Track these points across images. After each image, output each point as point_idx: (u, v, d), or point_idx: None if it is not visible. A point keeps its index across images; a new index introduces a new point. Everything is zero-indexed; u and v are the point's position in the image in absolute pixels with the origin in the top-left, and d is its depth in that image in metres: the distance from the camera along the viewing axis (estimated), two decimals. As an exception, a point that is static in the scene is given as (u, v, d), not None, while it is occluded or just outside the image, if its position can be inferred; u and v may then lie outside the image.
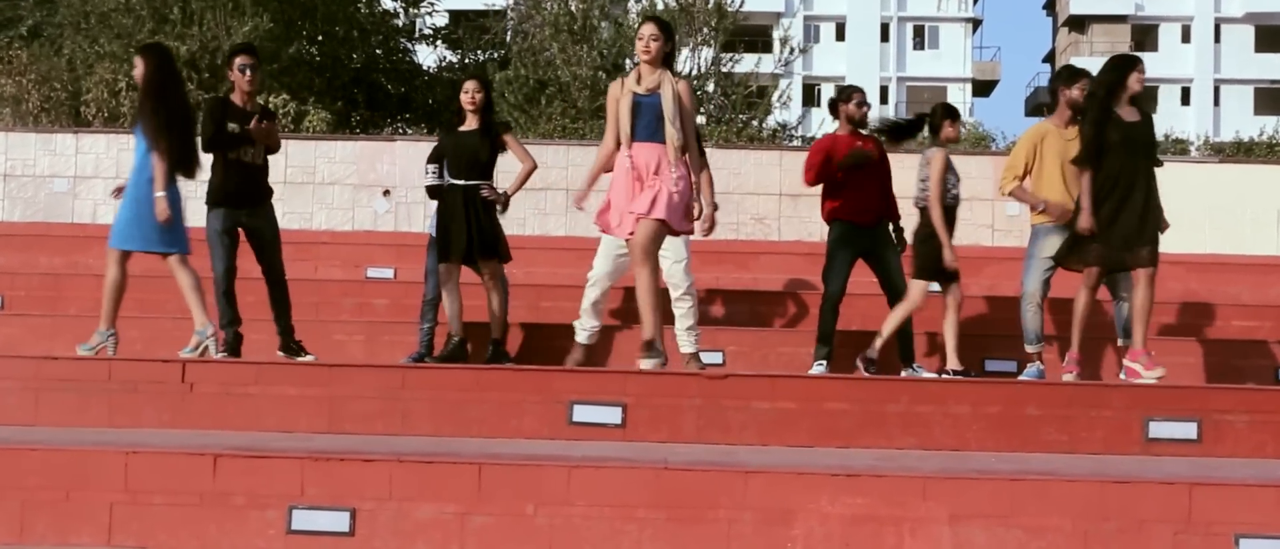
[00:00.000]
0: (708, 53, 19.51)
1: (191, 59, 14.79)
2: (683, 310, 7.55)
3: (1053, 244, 7.68)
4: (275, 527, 5.39)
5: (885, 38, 57.96)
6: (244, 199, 7.71)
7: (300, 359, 7.59)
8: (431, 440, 6.30)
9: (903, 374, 7.95)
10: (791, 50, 23.19)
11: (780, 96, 23.14)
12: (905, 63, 57.88)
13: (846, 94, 8.33)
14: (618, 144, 6.96)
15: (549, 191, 13.09)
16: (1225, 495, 5.34)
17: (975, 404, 6.61)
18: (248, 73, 7.72)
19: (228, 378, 6.72)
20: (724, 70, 19.23)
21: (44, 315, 9.31)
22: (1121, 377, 7.38)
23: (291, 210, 12.80)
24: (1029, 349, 7.82)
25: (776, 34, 58.19)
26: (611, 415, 6.57)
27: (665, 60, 6.99)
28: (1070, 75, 7.96)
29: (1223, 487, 5.39)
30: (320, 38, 17.70)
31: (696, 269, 11.93)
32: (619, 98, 6.93)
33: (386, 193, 12.96)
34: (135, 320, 8.32)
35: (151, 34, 14.93)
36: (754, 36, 62.42)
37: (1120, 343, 7.80)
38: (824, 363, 7.94)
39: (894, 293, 8.04)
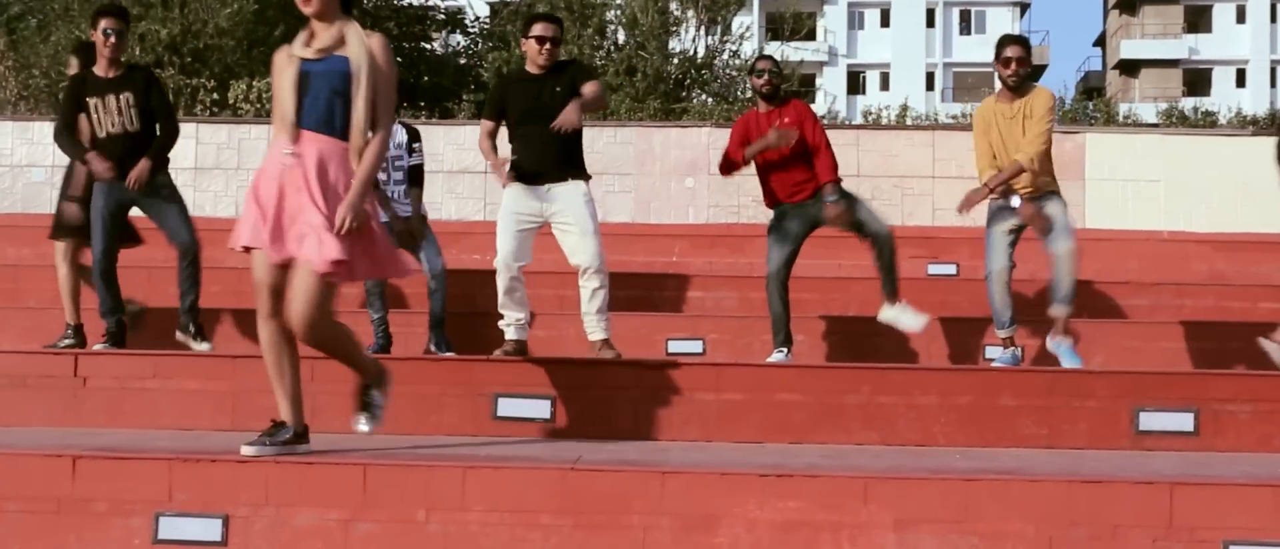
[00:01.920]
0: (751, 43, 18.74)
1: (173, 43, 14.33)
2: (590, 290, 6.53)
3: (1010, 218, 6.99)
4: (141, 535, 4.84)
5: (930, 23, 56.98)
6: (124, 173, 7.02)
7: (195, 347, 7.01)
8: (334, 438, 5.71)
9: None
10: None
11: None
12: (951, 48, 56.85)
13: (753, 67, 7.63)
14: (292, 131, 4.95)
15: (541, 175, 12.51)
16: (1213, 496, 4.67)
17: (943, 394, 5.93)
18: (112, 37, 7.00)
19: (123, 371, 6.17)
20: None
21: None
22: None
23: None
24: (1001, 333, 7.12)
25: (821, 22, 57.97)
26: (539, 409, 5.96)
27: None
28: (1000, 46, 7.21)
29: (1210, 486, 4.71)
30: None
31: (692, 253, 11.48)
32: (283, 69, 5.01)
33: None
34: (25, 311, 7.84)
35: (136, 20, 14.47)
36: (797, 24, 61.99)
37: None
38: (784, 350, 7.25)
39: (875, 237, 7.32)
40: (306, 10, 4.97)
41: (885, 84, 55.40)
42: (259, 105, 13.40)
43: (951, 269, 10.68)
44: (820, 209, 7.23)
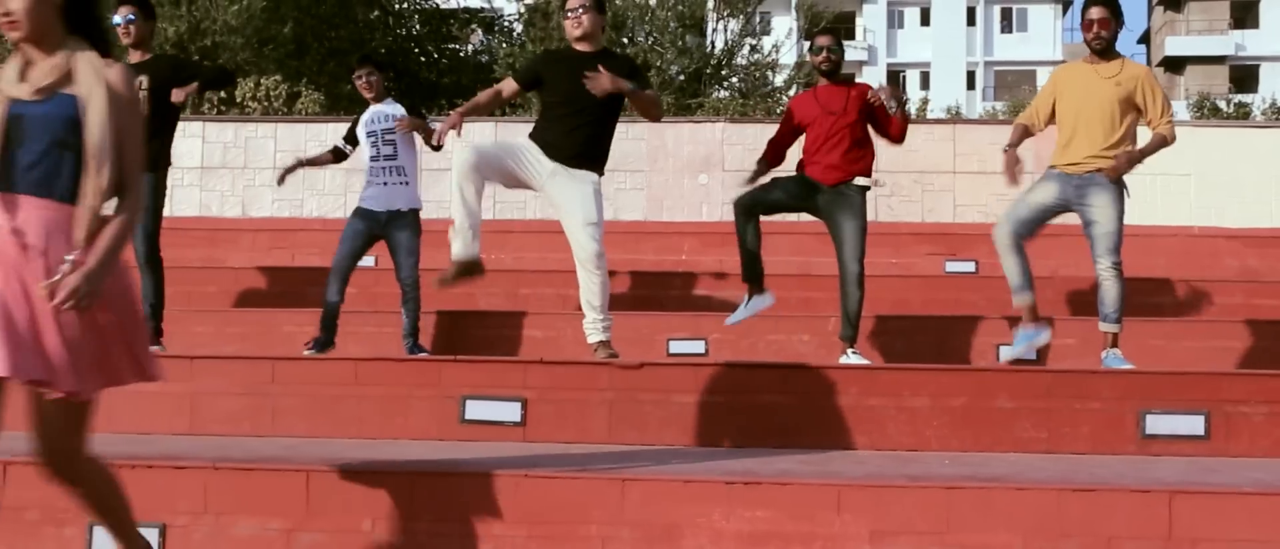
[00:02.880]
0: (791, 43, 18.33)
1: (180, 40, 14.13)
2: (590, 287, 6.16)
3: (1050, 190, 6.55)
4: (74, 545, 4.60)
5: (971, 21, 56.23)
6: None
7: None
8: (279, 443, 5.44)
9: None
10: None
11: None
12: (992, 46, 56.08)
13: (812, 44, 7.21)
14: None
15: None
16: (1217, 505, 4.31)
17: (936, 396, 5.57)
18: (123, 25, 6.84)
19: (78, 373, 5.91)
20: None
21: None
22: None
23: (280, 196, 12.12)
24: (1018, 301, 6.60)
25: (860, 22, 57.40)
26: (509, 412, 5.65)
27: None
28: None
29: (1215, 495, 4.35)
30: (338, 23, 16.95)
31: (702, 251, 11.13)
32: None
33: None
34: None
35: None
36: (837, 24, 61.58)
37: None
38: (763, 295, 6.87)
39: (843, 269, 6.84)
40: (12, 36, 3.56)
41: (925, 83, 54.81)
42: (267, 103, 13.18)
43: (970, 266, 10.30)
44: (835, 197, 6.81)
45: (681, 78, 15.04)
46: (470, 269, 5.99)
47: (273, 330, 7.89)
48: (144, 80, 6.80)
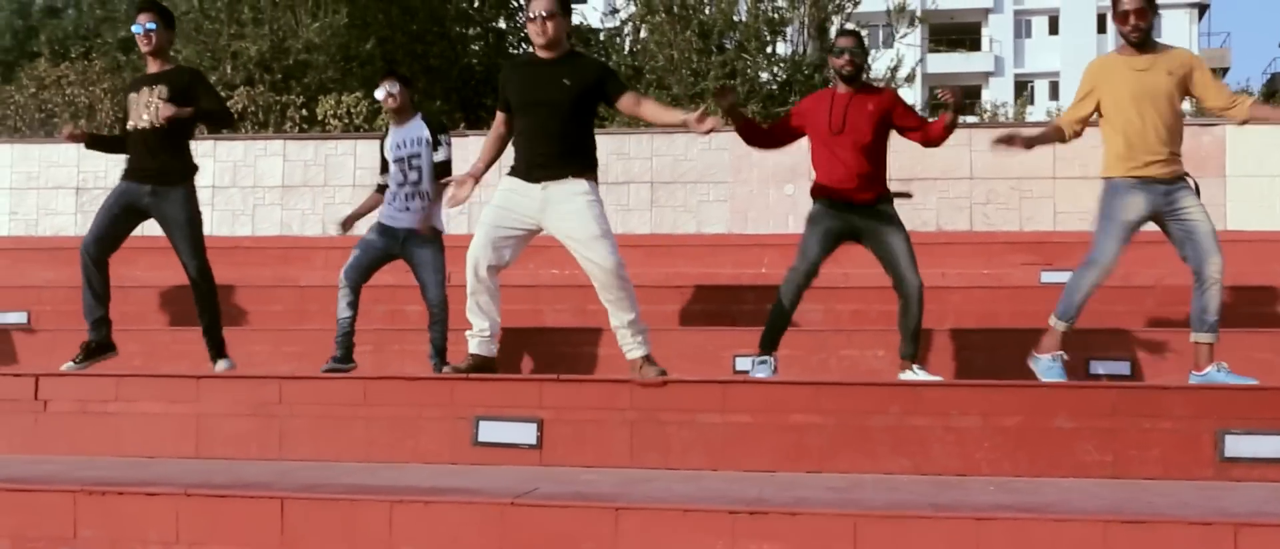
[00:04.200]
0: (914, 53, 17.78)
1: (262, 60, 14.07)
2: (610, 303, 5.80)
3: (1137, 204, 5.98)
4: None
5: (1102, 29, 54.54)
6: (141, 174, 6.66)
7: (216, 368, 6.57)
8: (276, 468, 5.13)
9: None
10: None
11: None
12: (1125, 54, 54.31)
13: (833, 45, 6.72)
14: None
15: (632, 185, 11.88)
16: (1291, 540, 3.73)
17: (987, 415, 5.04)
18: (142, 33, 6.67)
19: (84, 394, 5.70)
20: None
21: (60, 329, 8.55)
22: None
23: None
24: (1062, 326, 6.12)
25: (986, 32, 56.13)
26: (525, 434, 5.27)
27: None
28: None
29: (1288, 528, 3.77)
30: (430, 40, 16.76)
31: (783, 263, 10.58)
32: None
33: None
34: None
35: (232, 38, 14.29)
36: (962, 34, 60.19)
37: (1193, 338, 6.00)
38: (767, 363, 6.40)
39: (904, 285, 6.37)
40: None
41: (1054, 93, 53.37)
42: (347, 121, 13.04)
43: (1068, 276, 9.66)
44: (872, 217, 6.39)
45: (774, 86, 14.60)
46: (487, 366, 5.90)
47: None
48: (163, 90, 6.62)
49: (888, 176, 6.54)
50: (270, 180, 12.28)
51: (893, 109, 6.47)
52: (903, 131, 6.49)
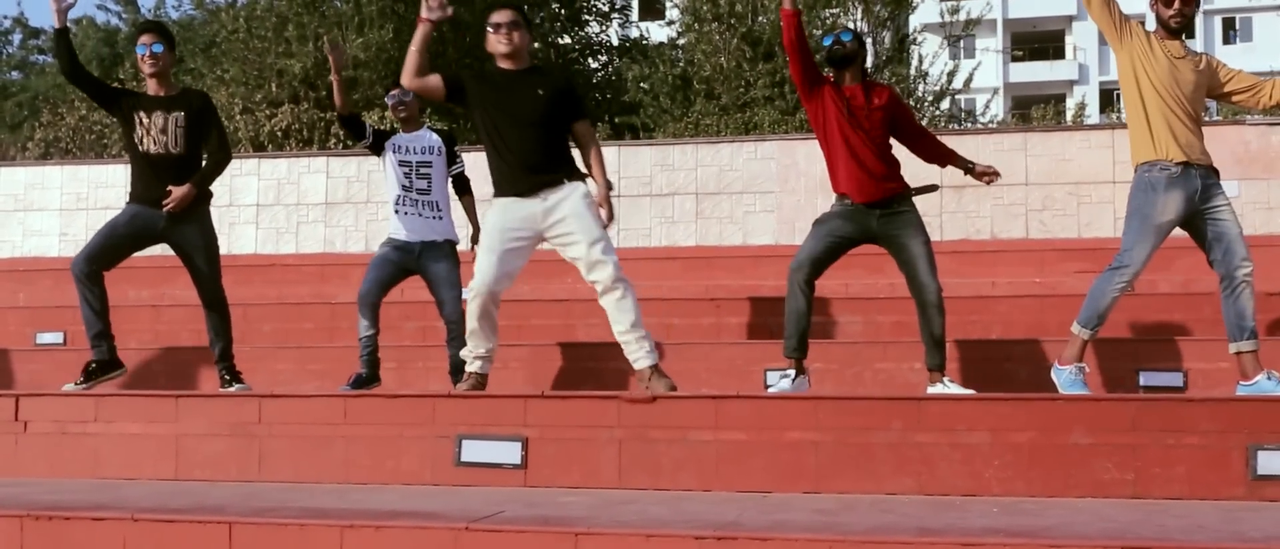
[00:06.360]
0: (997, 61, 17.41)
1: (307, 77, 14.00)
2: (614, 304, 5.63)
3: (1175, 201, 5.60)
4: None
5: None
6: (156, 200, 6.54)
7: (230, 391, 6.41)
8: (246, 490, 4.91)
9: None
10: None
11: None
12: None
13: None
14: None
15: (676, 197, 11.59)
16: (1315, 569, 3.34)
17: (996, 430, 4.67)
18: (144, 53, 6.55)
19: (63, 414, 5.54)
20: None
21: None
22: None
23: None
24: (1081, 334, 5.73)
25: (1069, 40, 55.01)
26: (509, 453, 5.00)
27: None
28: None
29: (1312, 555, 3.38)
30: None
31: (828, 274, 10.32)
32: None
33: None
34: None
35: (279, 57, 14.24)
36: (1045, 42, 59.08)
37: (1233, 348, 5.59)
38: (790, 377, 6.06)
39: (922, 292, 6.01)
40: None
41: (1141, 100, 52.10)
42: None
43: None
44: (892, 216, 6.05)
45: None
46: (483, 385, 5.86)
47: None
48: (180, 117, 6.51)
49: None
50: (314, 197, 12.18)
51: (896, 107, 6.20)
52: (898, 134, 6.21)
